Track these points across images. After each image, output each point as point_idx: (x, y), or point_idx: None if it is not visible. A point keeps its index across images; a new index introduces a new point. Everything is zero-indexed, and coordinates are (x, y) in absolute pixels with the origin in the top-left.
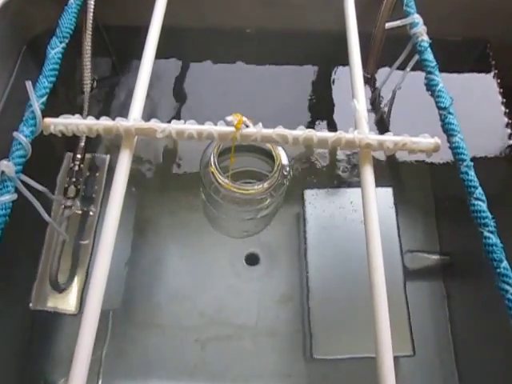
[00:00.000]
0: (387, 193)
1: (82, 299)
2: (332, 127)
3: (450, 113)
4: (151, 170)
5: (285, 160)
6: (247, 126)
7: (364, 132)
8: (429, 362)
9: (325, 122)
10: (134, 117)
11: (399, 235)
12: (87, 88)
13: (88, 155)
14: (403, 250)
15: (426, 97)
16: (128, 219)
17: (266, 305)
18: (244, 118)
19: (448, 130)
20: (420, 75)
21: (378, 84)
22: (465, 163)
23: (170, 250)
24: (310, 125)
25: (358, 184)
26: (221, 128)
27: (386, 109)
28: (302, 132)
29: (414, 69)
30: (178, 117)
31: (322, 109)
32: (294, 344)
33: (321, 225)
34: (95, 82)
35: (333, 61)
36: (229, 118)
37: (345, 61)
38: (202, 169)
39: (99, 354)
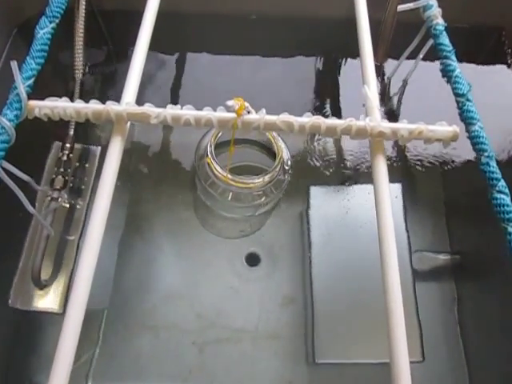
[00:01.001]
0: (396, 189)
1: (67, 298)
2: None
3: (468, 100)
4: (146, 163)
5: (286, 154)
6: (249, 113)
7: (376, 120)
8: (438, 367)
9: (330, 114)
10: (127, 101)
11: (408, 234)
12: (79, 74)
13: (78, 145)
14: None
15: (438, 88)
16: (120, 214)
17: (267, 307)
18: (246, 104)
19: (467, 119)
20: (431, 65)
21: (388, 73)
22: (486, 154)
23: (165, 248)
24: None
25: (366, 181)
26: (220, 114)
27: (396, 99)
28: (308, 119)
29: (424, 58)
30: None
31: (328, 100)
32: (296, 348)
33: (326, 223)
34: (87, 68)
35: (340, 48)
36: (229, 103)
37: (353, 48)
38: (197, 161)
39: (90, 356)
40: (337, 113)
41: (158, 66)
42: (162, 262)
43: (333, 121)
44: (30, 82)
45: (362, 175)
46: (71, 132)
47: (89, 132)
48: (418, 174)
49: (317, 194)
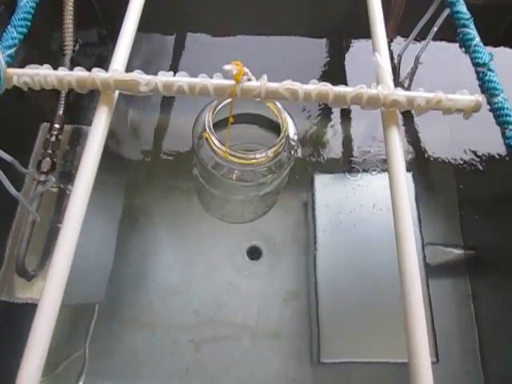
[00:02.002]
0: (407, 178)
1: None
2: None
3: (490, 69)
4: (143, 151)
5: (292, 128)
6: (249, 80)
7: (389, 87)
8: (453, 369)
9: None
10: (115, 68)
11: (420, 226)
12: (68, 51)
13: (68, 127)
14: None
15: (452, 67)
16: (115, 205)
17: (269, 303)
18: (245, 69)
19: (489, 89)
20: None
21: (398, 50)
22: (511, 127)
23: (163, 241)
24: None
25: (374, 168)
26: (217, 81)
27: (408, 79)
28: (314, 86)
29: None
30: None
31: (334, 82)
32: (300, 346)
33: (332, 214)
34: (78, 45)
35: (347, 27)
36: (227, 67)
37: (360, 28)
38: (196, 139)
39: (82, 352)
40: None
41: (154, 45)
42: (159, 256)
43: (342, 88)
44: (11, 51)
45: (370, 162)
46: (60, 112)
47: (81, 113)
48: (429, 165)
49: (322, 182)
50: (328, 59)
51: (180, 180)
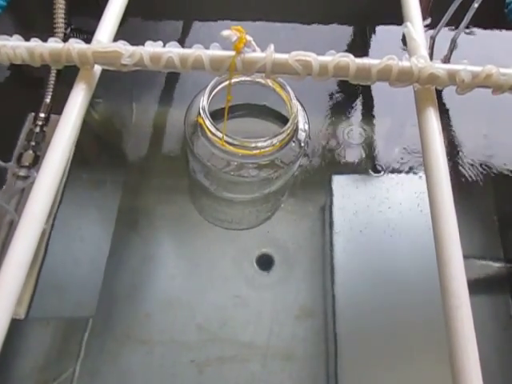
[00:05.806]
0: None
1: (33, 300)
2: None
3: None
4: (144, 149)
5: (302, 117)
6: (253, 51)
7: (425, 59)
8: None
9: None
10: (99, 39)
11: None
12: (59, 34)
13: (56, 117)
14: None
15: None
16: (111, 207)
17: (281, 319)
18: (248, 37)
19: None
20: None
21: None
22: None
23: (164, 247)
24: None
25: (399, 168)
26: (214, 52)
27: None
28: (331, 58)
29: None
30: None
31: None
32: (315, 370)
33: (352, 220)
34: (69, 29)
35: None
36: (225, 33)
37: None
38: (189, 129)
39: (71, 372)
40: (367, 89)
41: (152, 33)
42: (159, 264)
43: (366, 60)
44: None
45: (397, 161)
46: (47, 100)
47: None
48: (462, 167)
49: (341, 184)
50: (348, 49)
51: (187, 181)
